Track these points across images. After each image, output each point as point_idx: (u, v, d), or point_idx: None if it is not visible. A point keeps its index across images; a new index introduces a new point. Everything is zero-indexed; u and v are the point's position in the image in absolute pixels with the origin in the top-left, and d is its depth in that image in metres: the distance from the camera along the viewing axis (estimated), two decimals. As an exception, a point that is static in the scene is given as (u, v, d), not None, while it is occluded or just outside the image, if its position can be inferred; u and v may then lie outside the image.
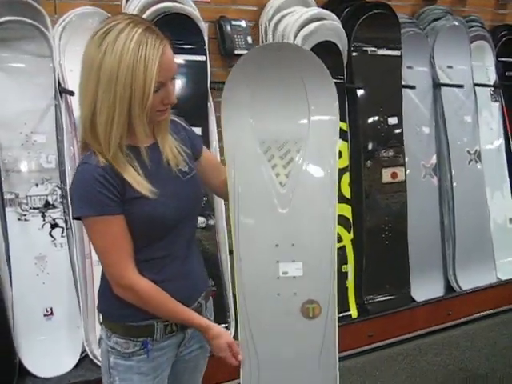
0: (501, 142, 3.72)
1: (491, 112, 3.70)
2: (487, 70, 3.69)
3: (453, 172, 3.37)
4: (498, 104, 3.73)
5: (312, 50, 2.77)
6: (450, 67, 3.41)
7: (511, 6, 3.93)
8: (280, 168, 1.57)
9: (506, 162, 3.72)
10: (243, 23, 2.92)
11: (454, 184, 3.37)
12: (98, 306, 1.51)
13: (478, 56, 3.61)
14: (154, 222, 1.37)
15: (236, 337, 1.58)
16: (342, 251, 2.96)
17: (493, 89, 3.69)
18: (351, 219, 3.00)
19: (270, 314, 1.56)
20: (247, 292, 1.53)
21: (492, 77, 3.70)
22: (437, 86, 3.37)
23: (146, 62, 1.25)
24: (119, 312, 1.43)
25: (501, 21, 3.90)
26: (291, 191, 1.56)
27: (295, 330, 1.56)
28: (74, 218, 1.39)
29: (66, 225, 2.59)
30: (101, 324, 1.50)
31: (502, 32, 3.78)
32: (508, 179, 3.73)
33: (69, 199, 2.43)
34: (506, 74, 3.79)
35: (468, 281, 3.42)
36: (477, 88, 3.57)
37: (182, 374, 1.61)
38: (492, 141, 3.68)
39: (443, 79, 3.38)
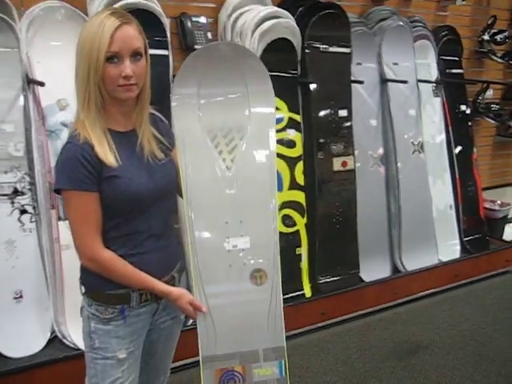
0: (442, 134, 3.98)
1: (433, 106, 3.96)
2: (429, 67, 3.93)
3: (398, 162, 3.61)
4: (439, 99, 3.99)
5: (268, 46, 3.00)
6: (395, 64, 3.64)
7: (451, 8, 4.19)
8: (226, 154, 1.73)
9: (446, 152, 3.99)
10: (203, 19, 3.05)
11: (399, 173, 3.61)
12: (80, 278, 1.65)
13: (421, 54, 3.84)
14: (128, 200, 1.52)
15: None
16: (296, 235, 3.17)
17: (435, 85, 3.94)
18: (305, 205, 3.19)
19: (224, 283, 1.72)
20: (201, 266, 1.68)
21: (434, 73, 3.95)
22: (384, 81, 3.59)
23: (101, 33, 1.41)
24: (97, 282, 1.56)
25: (442, 22, 4.16)
26: (236, 174, 1.73)
27: (246, 296, 1.73)
28: (55, 191, 1.53)
29: (35, 211, 2.67)
30: (83, 294, 1.64)
31: (443, 32, 4.03)
32: (448, 169, 4.00)
33: (39, 185, 2.60)
34: (447, 71, 4.05)
35: (412, 262, 3.68)
36: (420, 84, 3.81)
37: (156, 341, 1.76)
38: (434, 133, 3.93)
39: (389, 75, 3.60)
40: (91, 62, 1.43)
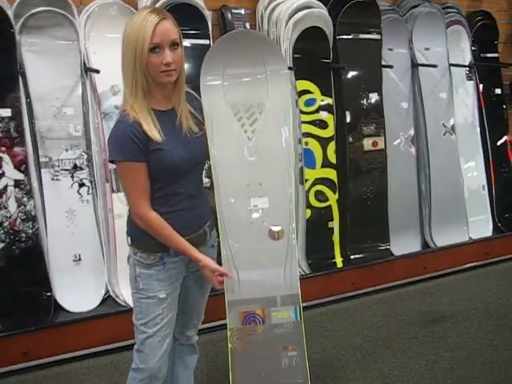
0: (475, 116, 4.12)
1: (466, 90, 4.10)
2: (463, 52, 4.07)
3: (429, 143, 3.79)
4: (472, 82, 4.13)
5: (301, 34, 3.24)
6: (427, 49, 3.81)
7: (487, -7, 4.30)
8: (247, 126, 2.01)
9: (479, 134, 4.13)
10: (242, 11, 3.33)
11: (430, 153, 3.79)
12: (127, 231, 1.95)
13: (454, 39, 4.00)
14: (170, 168, 1.80)
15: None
16: (328, 210, 3.42)
17: (468, 69, 4.08)
18: (336, 182, 3.43)
19: (246, 238, 2.00)
20: (227, 223, 1.97)
21: (467, 58, 4.09)
22: (414, 65, 3.77)
23: (144, 28, 1.68)
24: (141, 234, 1.86)
25: (477, 7, 4.27)
26: (256, 143, 2.00)
27: (265, 249, 2.02)
28: (110, 161, 1.84)
29: (92, 184, 3.03)
30: (129, 245, 1.95)
31: (478, 17, 4.16)
32: (481, 150, 4.14)
33: (95, 161, 2.94)
34: (482, 55, 4.18)
35: (443, 239, 3.85)
36: (453, 68, 3.96)
37: (190, 288, 2.04)
38: (467, 115, 4.08)
39: (421, 60, 3.77)
40: (137, 52, 1.69)
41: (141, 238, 1.88)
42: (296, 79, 3.27)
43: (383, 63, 3.58)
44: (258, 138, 2.00)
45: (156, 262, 1.88)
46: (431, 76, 3.82)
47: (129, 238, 1.95)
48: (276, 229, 2.00)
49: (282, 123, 2.04)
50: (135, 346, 1.97)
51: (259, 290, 2.00)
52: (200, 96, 2.02)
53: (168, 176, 1.83)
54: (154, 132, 1.74)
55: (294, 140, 3.24)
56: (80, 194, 3.01)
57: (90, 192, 3.03)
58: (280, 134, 2.03)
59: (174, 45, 1.73)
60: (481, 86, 4.16)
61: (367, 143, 3.52)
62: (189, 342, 2.17)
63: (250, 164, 2.00)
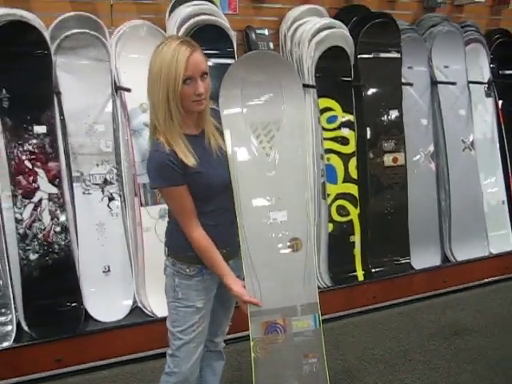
0: (494, 132, 4.17)
1: (485, 106, 4.16)
2: (482, 69, 4.14)
3: (448, 158, 3.85)
4: (491, 99, 4.19)
5: (323, 53, 3.34)
6: (446, 67, 3.89)
7: (505, 11, 4.38)
8: (265, 143, 2.10)
9: (498, 150, 4.18)
10: (266, 31, 3.45)
11: (450, 169, 3.85)
12: (166, 243, 2.06)
13: (473, 57, 4.07)
14: (207, 188, 1.92)
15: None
16: (349, 224, 3.49)
17: (487, 85, 4.15)
18: (358, 197, 3.51)
19: (266, 250, 2.09)
20: (248, 236, 2.05)
21: (486, 75, 4.15)
22: (434, 83, 3.85)
23: (177, 61, 1.76)
24: (183, 246, 1.96)
25: (496, 25, 4.36)
26: (274, 159, 2.09)
27: (285, 260, 2.11)
28: (152, 188, 1.96)
29: (121, 198, 3.14)
30: (167, 256, 2.04)
31: (496, 35, 4.23)
32: (501, 166, 4.18)
33: (124, 176, 3.05)
34: (500, 72, 4.25)
35: (463, 253, 3.89)
36: (472, 85, 4.03)
37: (222, 298, 2.13)
38: (486, 131, 4.13)
39: (440, 78, 3.85)
40: (170, 84, 1.76)
41: (182, 250, 1.98)
42: (318, 97, 3.36)
43: (403, 81, 3.67)
44: (276, 153, 2.09)
45: (196, 273, 1.98)
46: (450, 93, 3.89)
47: (167, 249, 2.05)
48: (295, 240, 2.09)
49: (297, 139, 2.14)
50: (169, 351, 2.07)
51: (280, 299, 2.09)
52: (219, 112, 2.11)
53: (206, 195, 1.94)
54: (190, 158, 1.84)
55: (315, 155, 3.36)
56: (110, 207, 3.12)
57: (119, 206, 3.14)
58: (296, 149, 2.13)
59: (204, 74, 1.83)
60: (500, 102, 4.20)
61: (388, 159, 3.60)
62: (217, 348, 2.27)
63: (268, 179, 2.09)
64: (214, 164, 1.93)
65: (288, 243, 2.10)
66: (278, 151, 2.09)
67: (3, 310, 2.84)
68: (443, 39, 3.83)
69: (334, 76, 3.44)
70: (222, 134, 2.01)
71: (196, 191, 1.90)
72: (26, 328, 2.85)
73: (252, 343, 2.11)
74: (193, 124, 1.92)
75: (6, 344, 2.78)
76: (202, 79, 1.82)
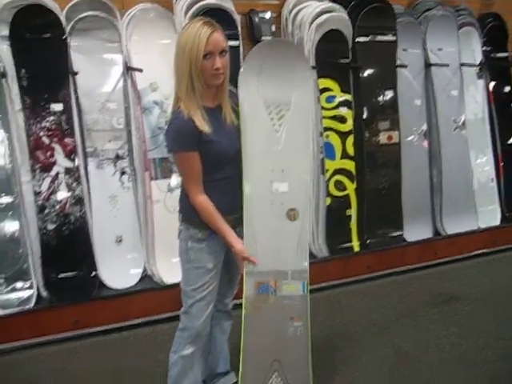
0: (485, 113, 4.36)
1: (477, 88, 4.33)
2: (474, 52, 4.30)
3: (441, 137, 4.05)
4: (483, 81, 4.36)
5: (323, 36, 3.51)
6: (439, 49, 4.05)
7: (497, -4, 4.54)
8: (276, 120, 2.28)
9: (489, 130, 4.37)
10: (268, 15, 3.60)
11: (442, 147, 4.05)
12: (180, 209, 2.25)
13: (465, 40, 4.23)
14: (218, 155, 2.11)
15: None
16: (346, 198, 3.70)
17: (479, 68, 4.32)
18: (354, 173, 3.71)
19: (266, 216, 2.26)
20: (251, 204, 2.23)
21: (478, 58, 4.31)
22: (428, 65, 4.03)
23: (199, 38, 1.97)
24: (195, 212, 2.15)
25: (488, 9, 4.51)
26: (282, 135, 2.27)
27: (282, 228, 2.28)
28: (169, 152, 2.16)
29: (132, 172, 3.33)
30: (181, 221, 2.23)
31: (489, 19, 4.39)
32: (490, 145, 4.38)
33: (135, 151, 3.22)
34: (492, 55, 4.40)
35: (453, 227, 4.11)
36: (464, 67, 4.21)
37: (230, 261, 2.31)
38: (477, 112, 4.31)
39: (433, 60, 4.02)
40: (192, 58, 1.97)
41: (194, 215, 2.16)
42: (318, 77, 3.55)
43: (398, 63, 3.84)
44: (284, 130, 2.27)
45: (206, 237, 2.18)
46: (443, 75, 4.06)
47: (181, 215, 2.24)
48: (292, 211, 2.26)
49: (304, 119, 2.33)
50: (182, 310, 2.28)
51: (273, 263, 2.26)
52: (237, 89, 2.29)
53: (216, 163, 2.13)
54: (205, 126, 2.04)
55: (315, 133, 3.55)
56: (121, 181, 3.31)
57: (130, 179, 3.33)
58: (302, 127, 2.32)
59: (223, 52, 2.03)
60: (491, 84, 4.39)
61: (383, 137, 3.79)
62: (225, 308, 2.48)
63: (275, 152, 2.27)
64: (227, 135, 2.12)
65: (286, 212, 2.27)
66: (286, 129, 2.27)
67: (24, 276, 3.04)
68: (437, 23, 3.99)
69: (332, 58, 3.62)
70: (237, 114, 2.19)
71: (208, 159, 2.08)
72: (45, 293, 3.06)
73: (245, 300, 2.26)
74: (211, 98, 2.11)
75: (27, 307, 3.00)
76: (221, 56, 2.02)
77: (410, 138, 4.00)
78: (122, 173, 3.31)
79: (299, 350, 2.33)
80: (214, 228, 2.14)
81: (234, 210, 2.21)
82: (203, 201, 2.12)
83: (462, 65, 4.19)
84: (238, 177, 2.22)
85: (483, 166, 4.36)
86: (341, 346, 3.03)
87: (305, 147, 2.37)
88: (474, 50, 4.32)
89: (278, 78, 2.29)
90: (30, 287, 3.04)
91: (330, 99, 3.61)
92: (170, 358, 2.32)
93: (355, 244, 3.75)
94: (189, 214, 2.19)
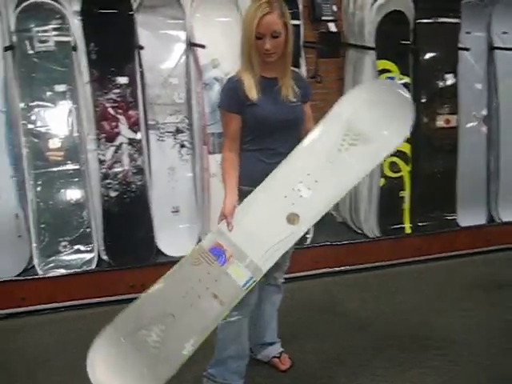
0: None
1: (544, 73, 4.23)
2: (543, 36, 4.19)
3: (500, 122, 3.98)
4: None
5: (384, 17, 3.51)
6: (505, 33, 3.97)
7: None
8: (346, 143, 2.21)
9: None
10: (330, -6, 3.65)
11: (501, 133, 3.99)
12: None
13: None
14: (259, 120, 2.17)
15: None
16: (400, 180, 3.73)
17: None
18: (410, 155, 3.72)
19: (271, 202, 2.17)
20: (272, 179, 2.18)
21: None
22: (491, 49, 3.95)
23: (253, 19, 2.06)
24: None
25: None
26: (340, 157, 2.20)
27: (275, 222, 2.16)
28: (218, 107, 2.27)
29: (191, 146, 3.45)
30: None
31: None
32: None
33: (195, 125, 3.35)
34: None
35: (509, 214, 4.05)
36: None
37: None
38: (544, 98, 4.21)
39: (498, 43, 3.94)
40: (247, 37, 2.10)
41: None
42: (377, 59, 3.56)
43: (460, 46, 3.79)
44: (345, 157, 2.22)
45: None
46: (507, 59, 3.97)
47: None
48: (295, 216, 2.17)
49: (372, 159, 2.27)
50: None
51: (244, 242, 2.14)
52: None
53: (258, 128, 2.19)
54: (252, 90, 2.14)
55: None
56: (180, 153, 3.44)
57: (188, 153, 3.45)
58: (364, 165, 2.25)
59: (274, 33, 2.08)
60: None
61: (440, 121, 3.77)
62: (275, 282, 2.54)
63: (324, 164, 2.22)
64: (274, 104, 2.18)
65: (289, 213, 2.19)
66: (348, 157, 2.23)
67: (87, 240, 3.24)
68: (504, 5, 3.91)
69: (393, 39, 3.62)
70: (295, 93, 2.23)
71: (249, 123, 2.17)
72: (105, 256, 3.24)
73: (197, 247, 2.19)
74: (268, 69, 2.18)
75: (89, 268, 3.18)
76: (272, 37, 2.08)
77: (468, 123, 3.96)
78: (182, 146, 3.43)
79: (198, 324, 2.12)
80: (223, 182, 2.21)
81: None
82: (228, 157, 2.20)
83: (529, 49, 4.08)
84: (283, 151, 2.23)
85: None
86: (387, 329, 3.06)
87: (349, 184, 2.25)
88: (543, 34, 4.19)
89: (372, 115, 2.27)
90: (92, 250, 3.23)
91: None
92: (219, 323, 2.42)
93: (407, 226, 3.77)
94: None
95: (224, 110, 2.20)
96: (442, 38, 3.73)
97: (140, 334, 2.08)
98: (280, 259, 2.39)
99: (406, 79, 3.68)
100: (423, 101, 3.74)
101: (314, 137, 2.25)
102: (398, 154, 3.67)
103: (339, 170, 2.21)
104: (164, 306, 2.12)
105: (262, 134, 2.21)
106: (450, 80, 3.78)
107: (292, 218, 2.17)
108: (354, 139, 2.24)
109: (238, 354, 2.37)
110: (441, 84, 3.77)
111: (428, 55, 3.72)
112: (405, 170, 3.72)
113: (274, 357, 2.65)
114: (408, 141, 3.69)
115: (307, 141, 2.24)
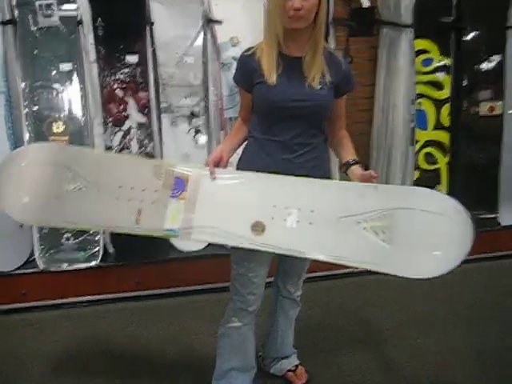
0: None
1: None
2: None
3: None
4: None
5: (424, -9, 3.15)
6: (559, 10, 3.58)
7: None
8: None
9: None
10: (364, -34, 3.29)
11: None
12: None
13: None
14: (267, 101, 1.90)
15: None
16: (436, 172, 3.41)
17: None
18: (448, 145, 3.39)
19: (250, 200, 1.99)
20: (263, 182, 2.00)
21: None
22: (544, 28, 3.56)
23: None
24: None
25: None
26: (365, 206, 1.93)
27: (239, 224, 1.93)
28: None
29: (207, 131, 3.17)
30: None
31: None
32: None
33: (211, 109, 3.10)
34: None
35: (557, 214, 3.68)
36: None
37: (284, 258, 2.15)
38: None
39: (551, 22, 3.56)
40: (275, 1, 1.81)
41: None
42: (415, 38, 3.22)
43: (509, 24, 3.41)
44: (361, 231, 1.93)
45: None
46: (562, 39, 3.58)
47: None
48: (261, 227, 1.91)
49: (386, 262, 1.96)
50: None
51: (202, 204, 1.98)
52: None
53: (265, 112, 1.95)
54: (265, 65, 1.88)
55: (406, 99, 3.22)
56: (195, 139, 3.17)
57: (205, 138, 3.17)
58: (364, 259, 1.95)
59: None
60: None
61: (483, 108, 3.41)
62: (290, 296, 2.30)
63: (334, 218, 1.92)
64: (292, 88, 1.89)
65: (254, 221, 1.92)
66: (364, 235, 1.91)
67: (92, 232, 3.00)
68: (559, -21, 3.50)
69: (433, 16, 3.26)
70: (323, 79, 1.92)
71: (257, 102, 1.96)
72: (111, 250, 3.02)
73: (171, 163, 2.12)
74: (293, 47, 1.90)
75: (93, 263, 2.97)
76: None
77: (515, 110, 3.59)
78: (197, 131, 3.17)
79: (106, 216, 2.02)
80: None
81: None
82: (238, 122, 2.12)
83: None
84: (291, 147, 1.95)
85: None
86: (418, 329, 2.79)
87: (332, 254, 1.92)
88: None
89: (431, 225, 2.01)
90: (97, 244, 3.00)
91: (426, 62, 3.29)
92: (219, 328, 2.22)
93: (443, 223, 3.44)
94: None
95: (236, 82, 2.07)
96: (488, 14, 3.33)
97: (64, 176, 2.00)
98: (288, 268, 2.23)
99: (446, 61, 3.33)
100: (465, 85, 3.38)
101: (354, 186, 1.94)
102: (435, 144, 3.35)
103: (341, 237, 1.90)
104: (97, 177, 2.02)
105: (269, 120, 1.95)
106: (495, 62, 3.40)
107: (257, 227, 1.90)
108: (386, 226, 1.91)
109: (242, 365, 2.18)
110: (485, 67, 3.39)
111: (472, 34, 3.34)
112: (442, 162, 3.40)
113: (289, 370, 2.42)
114: (447, 129, 3.37)
115: (343, 183, 2.01)
